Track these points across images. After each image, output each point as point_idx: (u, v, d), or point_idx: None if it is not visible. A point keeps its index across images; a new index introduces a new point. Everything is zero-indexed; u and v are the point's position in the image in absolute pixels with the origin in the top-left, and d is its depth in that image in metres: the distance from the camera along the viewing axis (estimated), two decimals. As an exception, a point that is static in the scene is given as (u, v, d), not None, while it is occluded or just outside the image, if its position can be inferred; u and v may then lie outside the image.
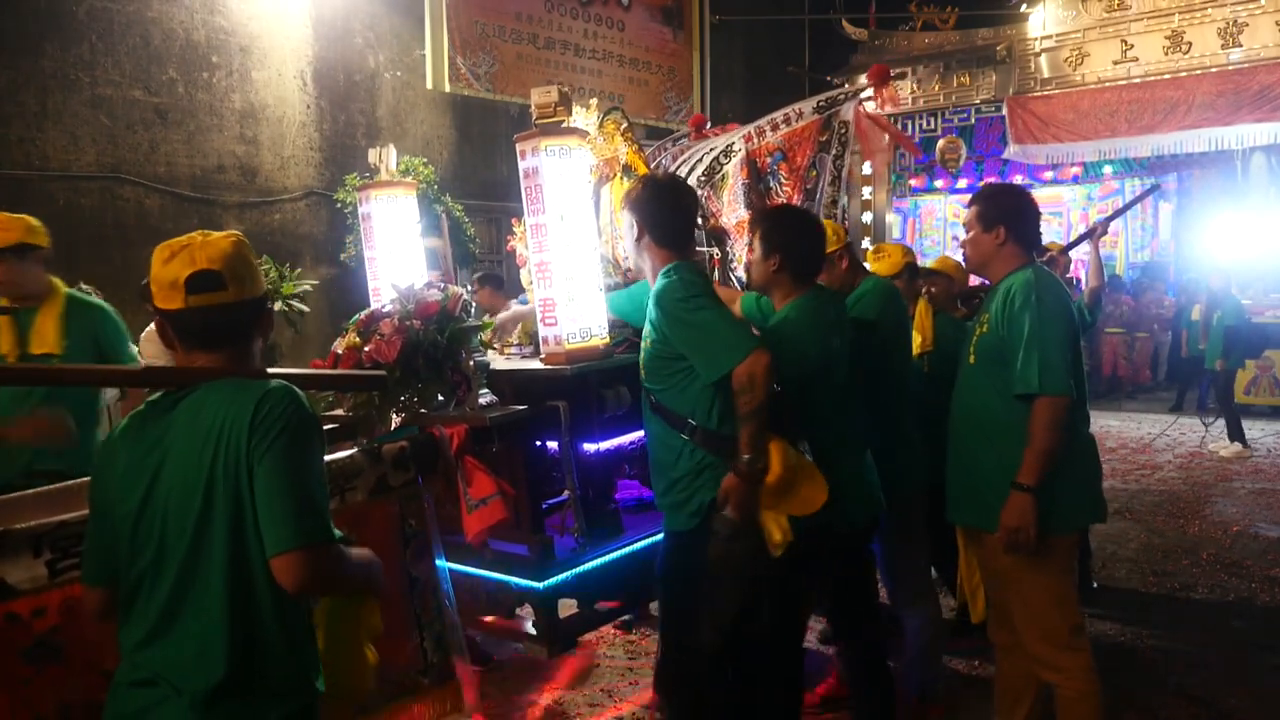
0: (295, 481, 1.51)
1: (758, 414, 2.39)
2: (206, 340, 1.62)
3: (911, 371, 3.49)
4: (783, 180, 3.61)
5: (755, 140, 3.66)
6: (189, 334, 1.62)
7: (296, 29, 8.37)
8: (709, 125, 4.77)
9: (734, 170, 3.70)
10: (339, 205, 8.28)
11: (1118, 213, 5.44)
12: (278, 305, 7.65)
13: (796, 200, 3.61)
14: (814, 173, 3.58)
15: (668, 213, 2.64)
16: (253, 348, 1.70)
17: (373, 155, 3.79)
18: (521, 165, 2.92)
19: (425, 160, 8.62)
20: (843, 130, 3.58)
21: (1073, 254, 5.39)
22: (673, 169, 3.89)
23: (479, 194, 9.74)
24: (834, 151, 3.58)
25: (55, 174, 6.79)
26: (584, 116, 3.50)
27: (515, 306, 4.20)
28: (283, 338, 7.93)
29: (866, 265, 3.58)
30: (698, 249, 3.41)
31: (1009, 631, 2.80)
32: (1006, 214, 2.72)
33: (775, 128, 3.64)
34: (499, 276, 6.33)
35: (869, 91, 3.71)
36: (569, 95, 2.96)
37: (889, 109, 3.86)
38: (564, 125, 2.98)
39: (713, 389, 2.47)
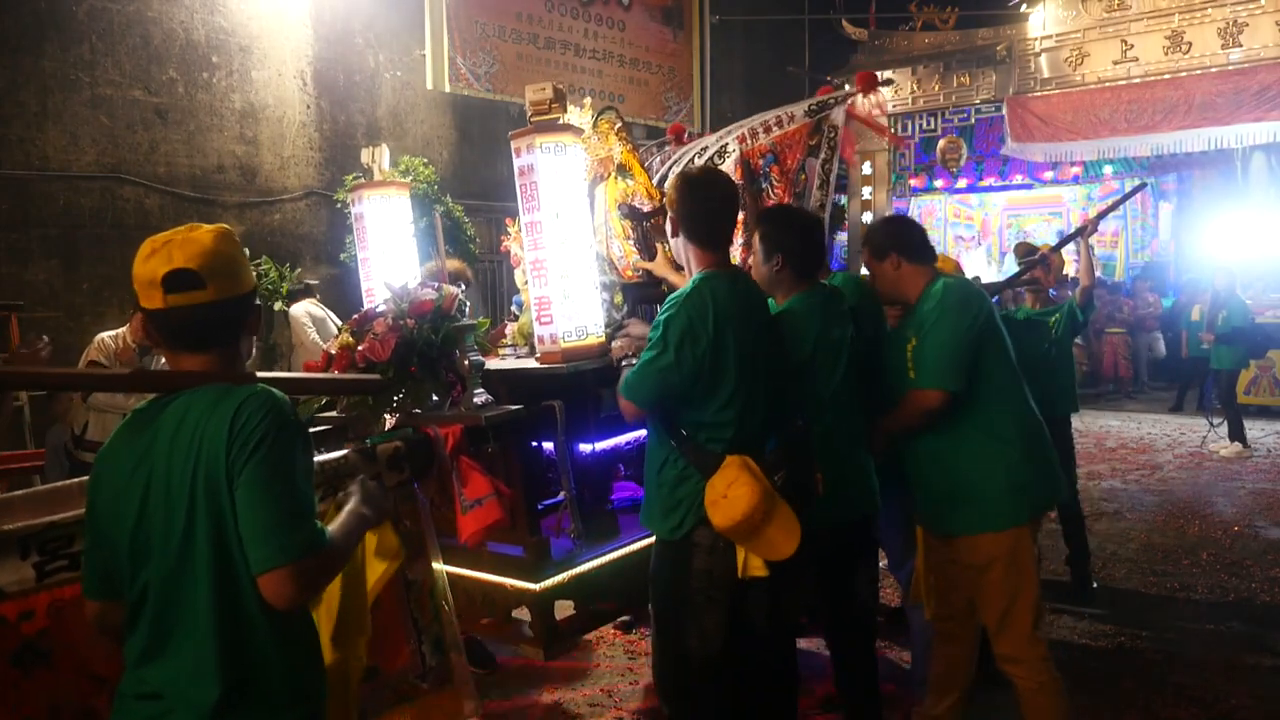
0: (277, 494, 1.47)
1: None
2: (189, 341, 1.59)
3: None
4: (774, 182, 3.60)
5: (749, 141, 3.64)
6: (170, 333, 1.59)
7: (296, 29, 8.36)
8: (692, 133, 4.78)
9: (728, 170, 3.68)
10: (339, 205, 8.28)
11: (1107, 210, 5.41)
12: (278, 305, 7.65)
13: (786, 203, 3.60)
14: (803, 176, 3.57)
15: (699, 205, 2.53)
16: (240, 348, 1.66)
17: (365, 155, 3.77)
18: (516, 163, 2.91)
19: (425, 160, 8.62)
20: (831, 134, 3.57)
21: (1067, 253, 5.36)
22: (663, 170, 3.87)
23: (479, 194, 9.73)
24: (822, 156, 3.57)
25: (55, 174, 6.79)
26: (578, 116, 3.48)
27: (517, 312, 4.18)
28: (283, 338, 7.92)
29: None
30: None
31: (955, 623, 2.87)
32: (891, 240, 2.86)
33: (768, 129, 3.62)
34: None
35: (858, 98, 3.72)
36: (564, 91, 2.94)
37: (876, 114, 3.84)
38: (559, 122, 2.96)
39: (701, 401, 2.44)
